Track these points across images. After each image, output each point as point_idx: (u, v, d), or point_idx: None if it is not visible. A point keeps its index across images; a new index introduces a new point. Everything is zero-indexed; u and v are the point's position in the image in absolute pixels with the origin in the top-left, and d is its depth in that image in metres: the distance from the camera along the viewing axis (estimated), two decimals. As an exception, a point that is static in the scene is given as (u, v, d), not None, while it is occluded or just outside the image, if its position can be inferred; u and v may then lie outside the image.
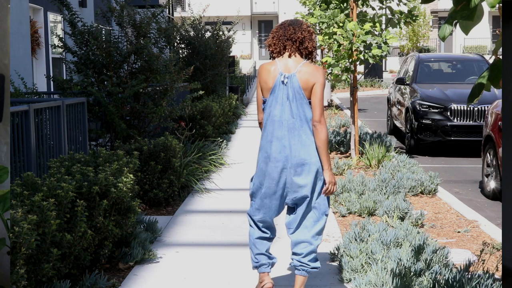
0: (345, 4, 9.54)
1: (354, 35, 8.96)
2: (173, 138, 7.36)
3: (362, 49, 9.24)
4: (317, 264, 4.08)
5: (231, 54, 16.95)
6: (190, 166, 8.19)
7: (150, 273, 4.84)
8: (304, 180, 3.92)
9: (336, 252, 5.07)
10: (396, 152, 9.86)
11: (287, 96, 3.94)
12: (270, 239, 4.20)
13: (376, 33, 9.38)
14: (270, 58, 4.16)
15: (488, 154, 7.95)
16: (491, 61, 2.22)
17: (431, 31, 39.33)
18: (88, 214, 4.31)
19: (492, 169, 7.75)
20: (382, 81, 29.83)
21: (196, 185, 7.77)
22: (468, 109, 10.64)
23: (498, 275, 4.43)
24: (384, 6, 9.64)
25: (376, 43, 9.16)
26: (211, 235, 5.95)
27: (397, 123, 12.90)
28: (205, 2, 20.75)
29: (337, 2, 9.55)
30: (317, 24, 11.60)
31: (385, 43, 9.16)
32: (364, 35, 8.94)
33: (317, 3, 11.34)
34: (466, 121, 10.72)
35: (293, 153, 3.91)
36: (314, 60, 4.14)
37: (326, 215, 4.04)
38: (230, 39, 15.44)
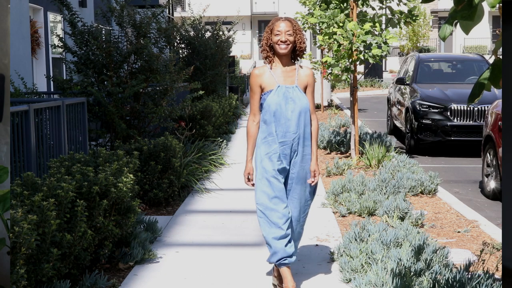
0: (345, 4, 9.53)
1: (354, 35, 8.96)
2: (173, 138, 7.35)
3: (362, 49, 9.24)
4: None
5: (231, 54, 16.95)
6: (190, 166, 8.18)
7: (150, 273, 4.84)
8: None
9: (336, 252, 5.08)
10: (396, 152, 9.86)
11: None
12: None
13: (376, 33, 9.38)
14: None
15: (488, 154, 7.94)
16: (491, 61, 2.23)
17: (431, 31, 39.33)
18: (88, 214, 4.31)
19: (492, 169, 7.75)
20: (382, 81, 29.83)
21: (196, 185, 7.77)
22: (468, 109, 10.64)
23: (498, 275, 4.43)
24: (384, 6, 9.64)
25: (376, 43, 9.16)
26: (211, 235, 5.95)
27: (397, 123, 12.90)
28: (205, 2, 20.76)
29: (337, 2, 9.55)
30: (317, 24, 11.61)
31: (385, 43, 9.16)
32: (364, 35, 8.94)
33: (317, 3, 11.34)
34: (466, 121, 10.71)
35: None
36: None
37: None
38: (230, 39, 15.44)
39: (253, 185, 4.29)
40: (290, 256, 4.20)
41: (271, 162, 4.17)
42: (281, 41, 4.17)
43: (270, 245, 4.19)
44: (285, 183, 4.26)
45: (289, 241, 4.18)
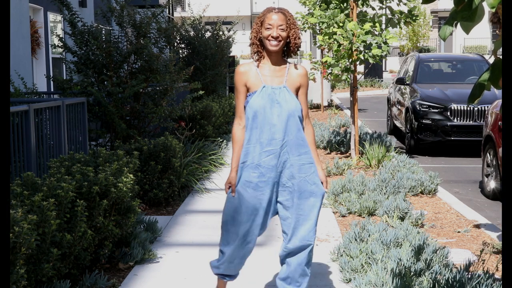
0: (345, 4, 9.53)
1: (354, 35, 8.96)
2: (173, 138, 7.35)
3: (362, 49, 9.24)
4: None
5: (231, 54, 16.94)
6: (190, 166, 8.18)
7: (150, 273, 4.84)
8: None
9: (336, 252, 5.07)
10: (396, 152, 9.86)
11: None
12: None
13: (376, 33, 9.38)
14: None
15: (488, 154, 7.94)
16: (491, 61, 2.23)
17: (431, 31, 39.35)
18: (88, 214, 4.31)
19: (492, 169, 7.75)
20: (382, 81, 29.82)
21: (196, 185, 7.77)
22: (468, 109, 10.65)
23: (498, 275, 4.43)
24: (384, 6, 9.64)
25: (376, 43, 9.16)
26: (211, 235, 5.94)
27: (397, 123, 12.90)
28: (205, 2, 20.73)
29: (337, 2, 9.55)
30: (317, 24, 11.61)
31: (385, 43, 9.16)
32: (364, 35, 8.94)
33: (317, 3, 11.34)
34: (466, 121, 10.72)
35: None
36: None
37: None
38: (230, 39, 15.43)
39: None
40: (234, 277, 4.09)
41: (247, 173, 3.68)
42: (272, 37, 3.61)
43: (221, 254, 4.03)
44: (279, 201, 3.75)
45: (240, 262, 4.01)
